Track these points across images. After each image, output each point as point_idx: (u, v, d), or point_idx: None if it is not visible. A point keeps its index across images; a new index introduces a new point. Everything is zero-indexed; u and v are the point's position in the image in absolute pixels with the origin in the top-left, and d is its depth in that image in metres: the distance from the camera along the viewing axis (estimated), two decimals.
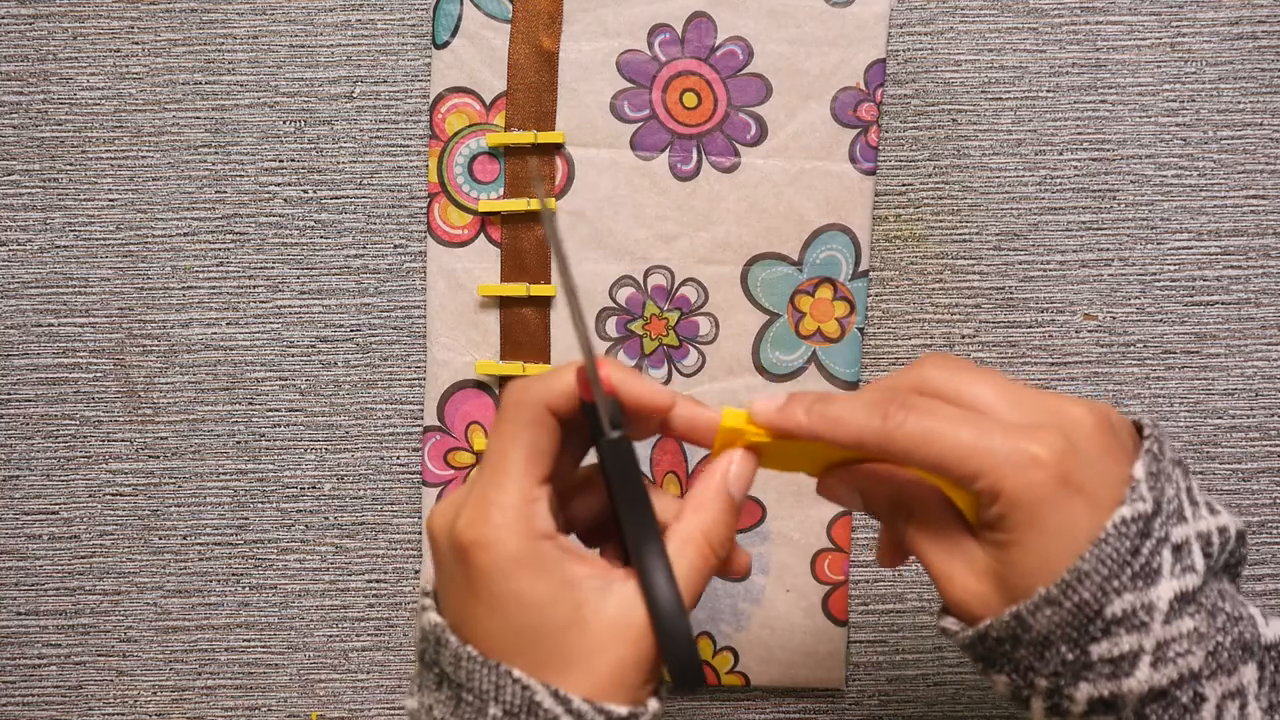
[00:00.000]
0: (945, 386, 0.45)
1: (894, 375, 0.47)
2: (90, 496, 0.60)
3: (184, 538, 0.60)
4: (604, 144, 0.58)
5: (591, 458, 0.44)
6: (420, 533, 0.60)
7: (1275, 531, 0.60)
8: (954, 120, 0.60)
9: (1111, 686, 0.43)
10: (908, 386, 0.46)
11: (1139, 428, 0.45)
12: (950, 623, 0.46)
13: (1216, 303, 0.60)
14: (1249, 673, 0.44)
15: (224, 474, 0.60)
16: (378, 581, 0.60)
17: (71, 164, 0.60)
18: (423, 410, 0.60)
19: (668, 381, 0.59)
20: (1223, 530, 0.45)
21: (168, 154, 0.60)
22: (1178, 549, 0.43)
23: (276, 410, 0.60)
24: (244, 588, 0.60)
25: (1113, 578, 0.42)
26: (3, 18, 0.60)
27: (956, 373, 0.45)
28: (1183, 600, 0.43)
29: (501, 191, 0.59)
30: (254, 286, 0.60)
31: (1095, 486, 0.42)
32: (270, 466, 0.60)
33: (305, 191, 0.60)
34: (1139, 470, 0.43)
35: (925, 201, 0.60)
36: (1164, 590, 0.42)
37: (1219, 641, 0.43)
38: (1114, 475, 0.43)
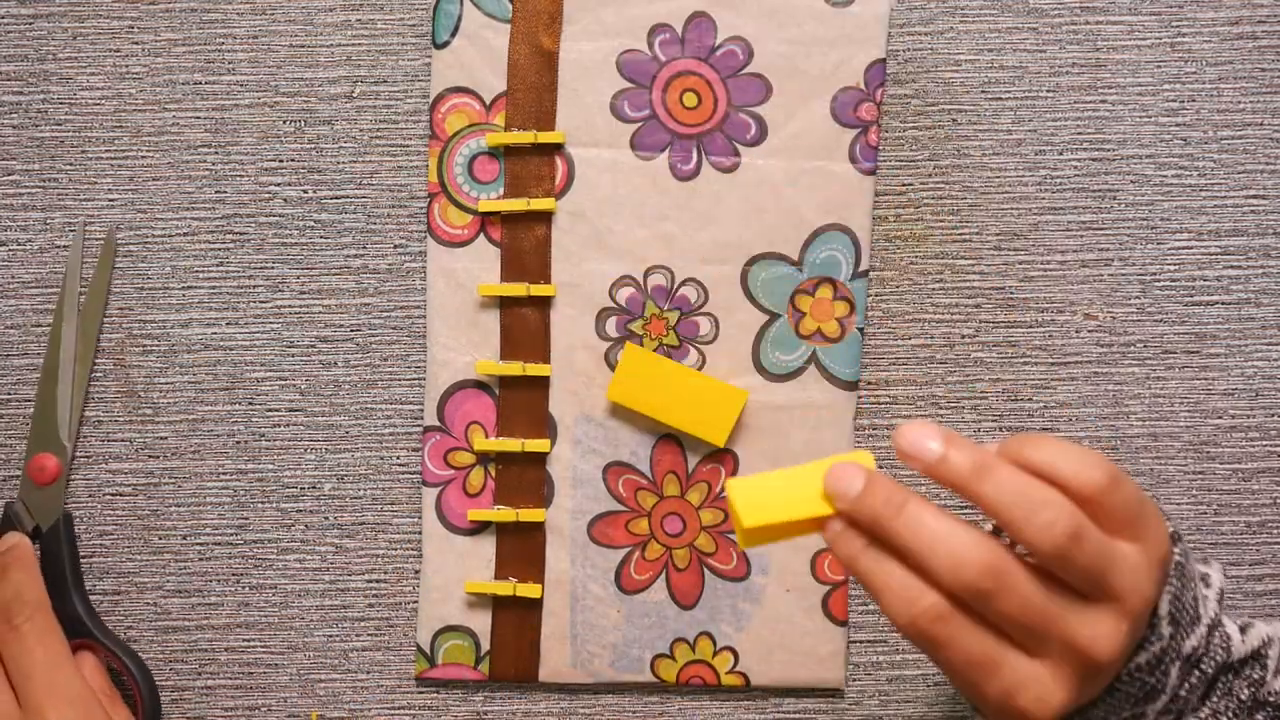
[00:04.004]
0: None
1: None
2: (90, 496, 0.60)
3: (184, 538, 0.60)
4: (604, 144, 0.58)
5: None
6: (420, 532, 0.60)
7: (1275, 531, 0.60)
8: (954, 120, 0.60)
9: None
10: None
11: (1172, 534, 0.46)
12: None
13: (1216, 303, 0.60)
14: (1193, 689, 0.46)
15: (224, 474, 0.60)
16: (378, 581, 0.60)
17: (71, 164, 0.60)
18: (423, 410, 0.60)
19: None
20: (1220, 596, 0.47)
21: (168, 154, 0.60)
22: (1187, 660, 0.46)
23: (276, 410, 0.60)
24: (244, 588, 0.60)
25: (1118, 710, 0.45)
26: (3, 18, 0.60)
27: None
28: (1171, 703, 0.45)
29: (501, 191, 0.59)
30: (254, 286, 0.60)
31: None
32: (270, 466, 0.60)
33: (305, 191, 0.60)
34: (1164, 605, 0.44)
35: (925, 201, 0.60)
36: (1160, 703, 0.45)
37: (1191, 686, 0.46)
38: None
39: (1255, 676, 0.46)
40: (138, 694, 0.58)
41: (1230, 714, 0.46)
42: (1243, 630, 0.47)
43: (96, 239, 0.60)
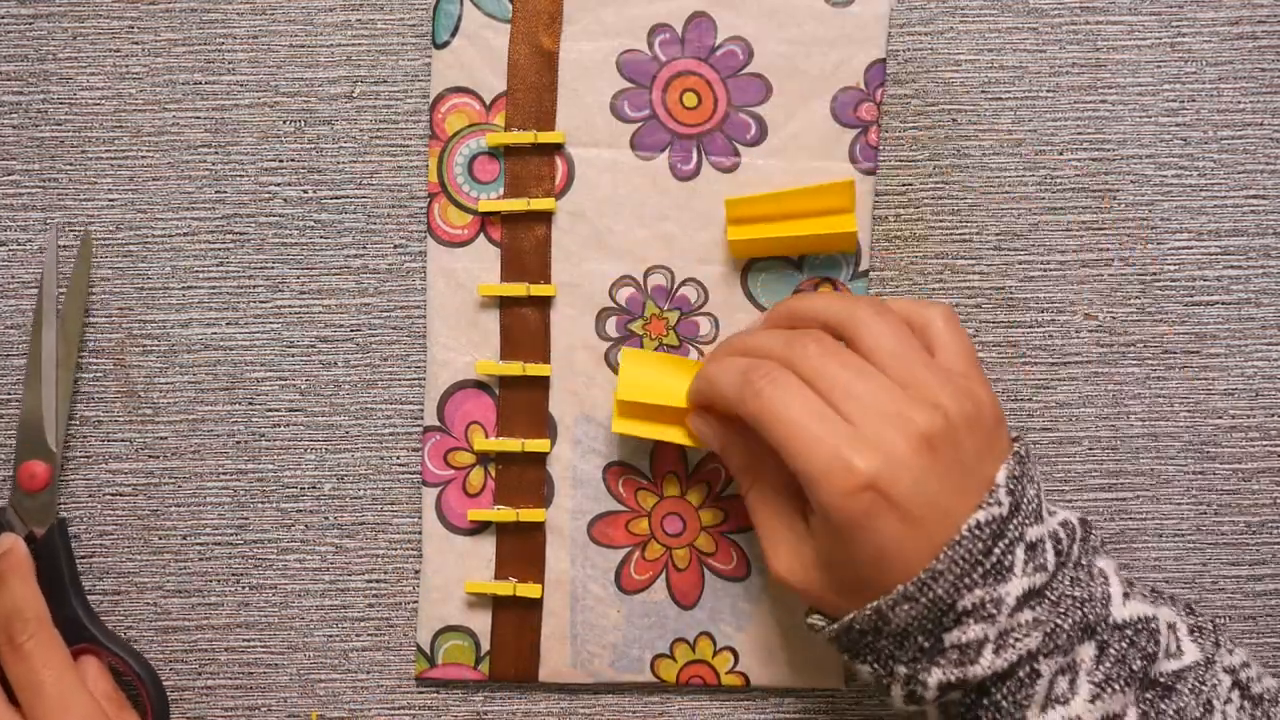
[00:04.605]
0: (847, 329, 0.50)
1: (807, 302, 0.53)
2: (90, 496, 0.60)
3: (184, 538, 0.60)
4: (604, 144, 0.58)
5: None
6: (420, 532, 0.60)
7: (1275, 531, 0.60)
8: (954, 120, 0.60)
9: (959, 672, 0.47)
10: (808, 321, 0.52)
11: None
12: (816, 619, 0.51)
13: (1216, 303, 0.60)
14: (1086, 650, 0.47)
15: (224, 474, 0.60)
16: (378, 581, 0.60)
17: (71, 164, 0.60)
18: (423, 410, 0.60)
19: None
20: (1065, 524, 0.49)
21: (168, 154, 0.60)
22: (1031, 547, 0.47)
23: (276, 410, 0.60)
24: (244, 588, 0.60)
25: (965, 575, 0.46)
26: (3, 18, 0.60)
27: (865, 318, 0.50)
28: (1029, 595, 0.46)
29: (501, 191, 0.59)
30: (254, 286, 0.60)
31: (915, 505, 0.46)
32: (270, 466, 0.60)
33: (305, 191, 0.60)
34: (1001, 475, 0.47)
35: (925, 201, 0.60)
36: (1014, 587, 0.46)
37: (1058, 624, 0.47)
38: (949, 485, 0.47)
39: (1149, 650, 0.48)
40: (145, 695, 0.58)
41: (1123, 682, 0.47)
42: (1125, 597, 0.49)
43: (98, 239, 0.60)
